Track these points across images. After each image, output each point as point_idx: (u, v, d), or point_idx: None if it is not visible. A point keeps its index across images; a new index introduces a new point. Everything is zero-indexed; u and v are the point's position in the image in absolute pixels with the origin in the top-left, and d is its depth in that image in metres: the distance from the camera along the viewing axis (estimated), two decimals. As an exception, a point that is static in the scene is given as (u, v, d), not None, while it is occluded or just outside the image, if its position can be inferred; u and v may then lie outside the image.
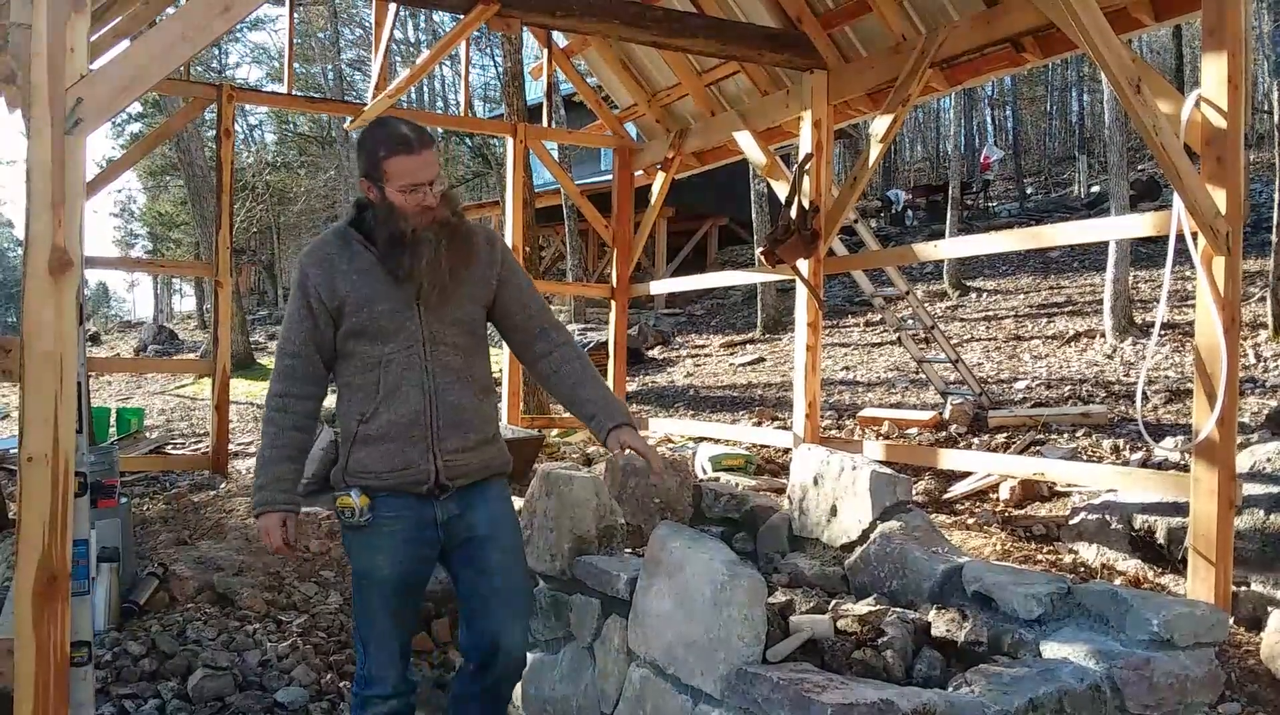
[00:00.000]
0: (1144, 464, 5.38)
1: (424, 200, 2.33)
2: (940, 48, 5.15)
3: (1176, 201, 3.78)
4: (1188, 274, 8.68)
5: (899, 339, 8.53)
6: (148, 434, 9.31)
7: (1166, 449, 5.34)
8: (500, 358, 6.87)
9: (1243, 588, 3.87)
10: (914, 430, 6.87)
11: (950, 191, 15.12)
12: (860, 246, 8.81)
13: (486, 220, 13.33)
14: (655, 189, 7.64)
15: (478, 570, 2.46)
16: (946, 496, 5.55)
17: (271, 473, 2.39)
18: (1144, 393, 6.68)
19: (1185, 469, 4.38)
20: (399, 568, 2.41)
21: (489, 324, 2.59)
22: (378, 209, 2.38)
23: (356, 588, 2.49)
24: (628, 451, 2.47)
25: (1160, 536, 4.32)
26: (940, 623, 2.73)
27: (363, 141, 2.41)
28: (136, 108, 26.40)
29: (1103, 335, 9.25)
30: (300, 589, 4.18)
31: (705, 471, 6.00)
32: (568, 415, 6.30)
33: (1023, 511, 5.19)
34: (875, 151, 5.59)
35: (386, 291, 2.38)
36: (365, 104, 6.89)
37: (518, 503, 3.00)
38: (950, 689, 2.27)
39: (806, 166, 5.74)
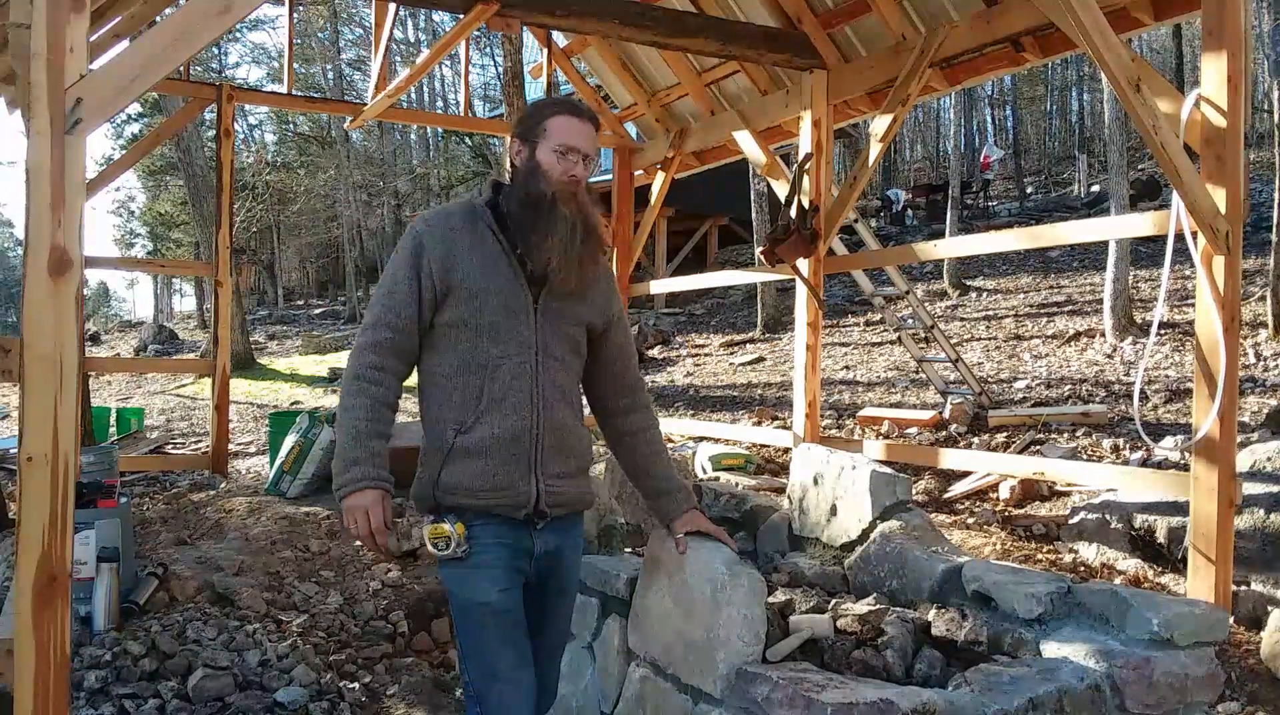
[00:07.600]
0: (1144, 463, 5.38)
1: (572, 169, 2.18)
2: (940, 47, 5.15)
3: (1176, 201, 3.78)
4: (1188, 273, 8.69)
5: (899, 338, 8.53)
6: (148, 434, 9.32)
7: (1166, 448, 5.34)
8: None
9: (1243, 587, 3.87)
10: (914, 430, 6.87)
11: (950, 191, 15.11)
12: (860, 246, 8.80)
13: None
14: (655, 189, 7.63)
15: (537, 615, 2.30)
16: (946, 496, 5.55)
17: (368, 447, 2.12)
18: (1143, 392, 6.68)
19: (1185, 468, 4.37)
20: (512, 595, 2.18)
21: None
22: (519, 173, 2.21)
23: (465, 628, 2.19)
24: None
25: (1160, 536, 4.32)
26: (940, 622, 2.73)
27: (530, 105, 2.35)
28: (136, 108, 26.42)
29: (1102, 334, 9.25)
30: (300, 589, 4.18)
31: (705, 471, 6.00)
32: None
33: (1023, 511, 5.19)
34: (875, 151, 5.59)
35: (507, 286, 2.18)
36: (365, 104, 6.89)
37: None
38: (950, 688, 2.27)
39: (806, 166, 5.74)
